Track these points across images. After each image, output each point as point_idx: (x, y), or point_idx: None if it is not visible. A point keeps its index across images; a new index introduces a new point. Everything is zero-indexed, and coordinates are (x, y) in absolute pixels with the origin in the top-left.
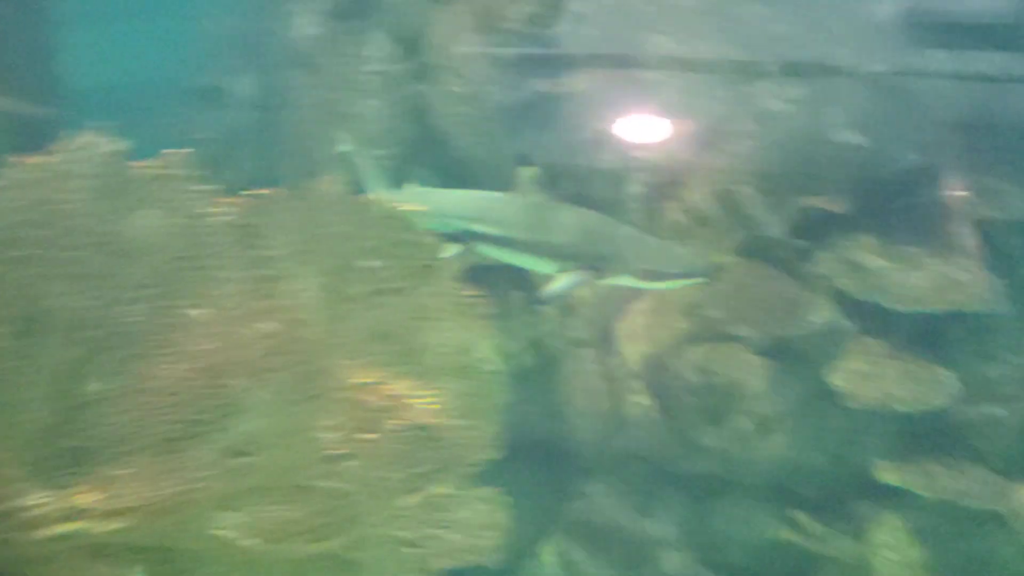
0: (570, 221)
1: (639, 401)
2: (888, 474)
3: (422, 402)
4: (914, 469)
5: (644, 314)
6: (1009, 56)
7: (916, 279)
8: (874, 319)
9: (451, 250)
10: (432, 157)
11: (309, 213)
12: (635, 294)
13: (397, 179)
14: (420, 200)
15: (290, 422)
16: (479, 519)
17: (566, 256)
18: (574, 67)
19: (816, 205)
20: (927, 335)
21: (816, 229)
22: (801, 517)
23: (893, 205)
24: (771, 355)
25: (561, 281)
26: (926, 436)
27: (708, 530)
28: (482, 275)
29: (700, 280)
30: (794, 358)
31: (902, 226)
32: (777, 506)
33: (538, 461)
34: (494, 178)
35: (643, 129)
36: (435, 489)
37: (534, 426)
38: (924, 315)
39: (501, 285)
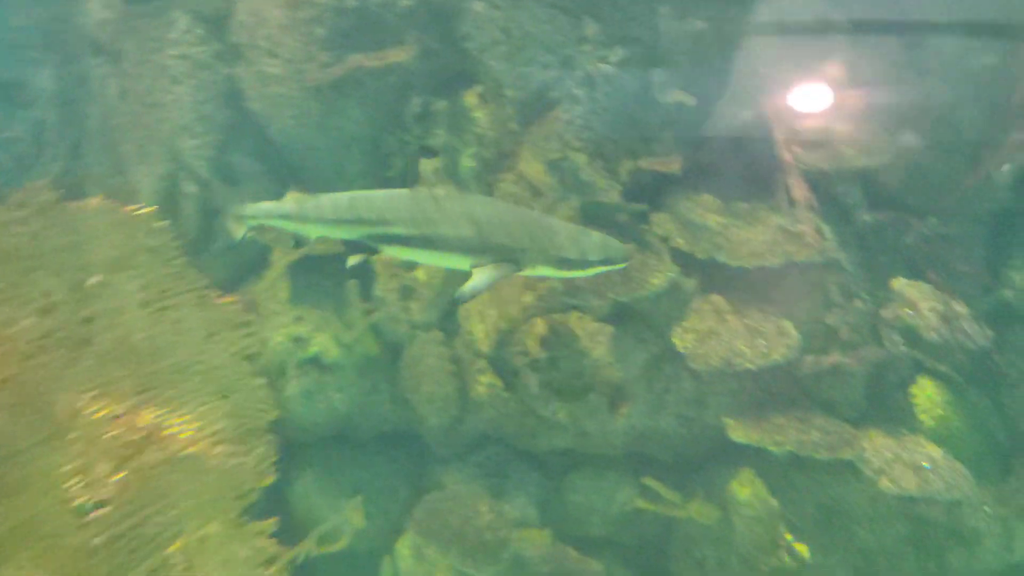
0: (484, 213)
1: (486, 381)
2: (738, 432)
3: (181, 429)
4: (764, 425)
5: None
6: (835, 7)
7: (754, 234)
8: (715, 277)
9: (354, 260)
10: (251, 143)
11: (27, 226)
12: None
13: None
14: (311, 208)
15: (20, 472)
16: (260, 555)
17: (482, 251)
18: (396, 38)
19: (650, 167)
20: (768, 289)
21: (652, 191)
22: (655, 483)
23: (727, 162)
24: (615, 321)
25: (479, 277)
26: (775, 390)
27: (566, 505)
28: (314, 264)
29: (620, 266)
30: (638, 323)
31: (737, 182)
32: (634, 474)
33: (390, 452)
34: (321, 161)
35: (474, 100)
36: (206, 528)
37: (383, 417)
38: (764, 269)
39: (335, 275)
